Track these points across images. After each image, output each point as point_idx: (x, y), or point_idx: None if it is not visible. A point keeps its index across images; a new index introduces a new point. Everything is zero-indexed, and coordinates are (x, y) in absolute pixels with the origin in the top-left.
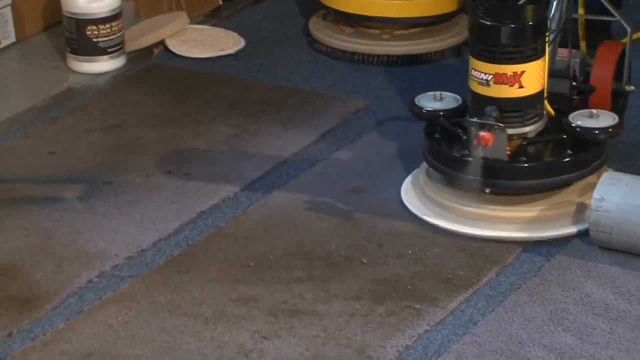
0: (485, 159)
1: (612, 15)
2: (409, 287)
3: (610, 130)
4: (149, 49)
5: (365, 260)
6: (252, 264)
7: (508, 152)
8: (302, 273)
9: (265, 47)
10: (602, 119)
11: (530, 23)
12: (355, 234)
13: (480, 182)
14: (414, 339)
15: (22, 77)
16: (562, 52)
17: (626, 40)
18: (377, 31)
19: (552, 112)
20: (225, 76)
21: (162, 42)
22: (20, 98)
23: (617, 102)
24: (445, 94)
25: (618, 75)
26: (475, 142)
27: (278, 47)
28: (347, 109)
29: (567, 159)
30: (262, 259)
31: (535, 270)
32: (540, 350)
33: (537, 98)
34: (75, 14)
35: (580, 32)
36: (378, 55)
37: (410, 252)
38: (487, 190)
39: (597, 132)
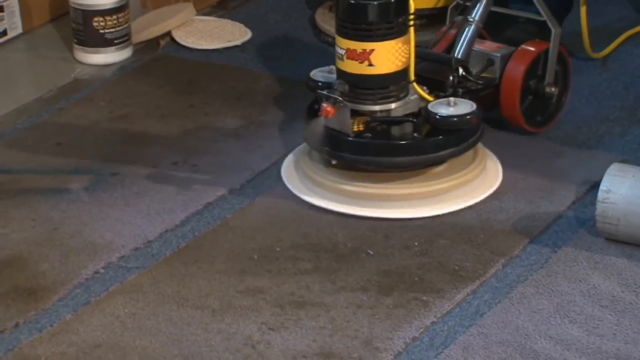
0: (332, 130)
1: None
2: (416, 278)
3: (455, 119)
4: (155, 41)
5: (371, 252)
6: (258, 255)
7: (359, 128)
8: (308, 265)
9: (272, 38)
10: (459, 108)
11: (379, 2)
12: (361, 226)
13: (327, 152)
14: (420, 330)
15: (29, 68)
16: (486, 45)
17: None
18: None
19: (427, 97)
20: (232, 67)
21: (168, 34)
22: (26, 89)
23: (536, 103)
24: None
25: (537, 75)
26: (319, 112)
27: (285, 38)
28: None
29: (410, 141)
30: (269, 250)
31: (541, 262)
32: (546, 342)
33: (390, 78)
34: (81, 5)
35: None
36: None
37: (416, 243)
38: (333, 162)
39: (438, 117)
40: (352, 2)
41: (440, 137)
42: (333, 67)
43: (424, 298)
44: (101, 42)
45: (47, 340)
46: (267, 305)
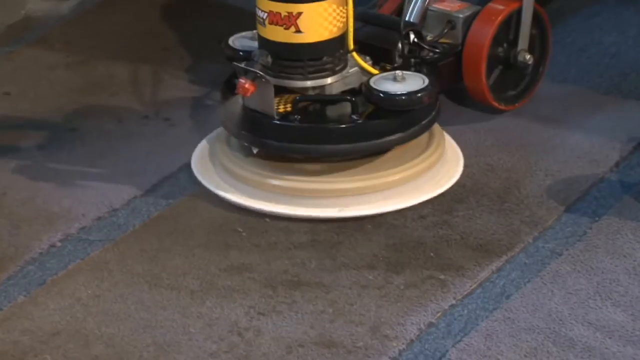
0: (252, 111)
1: None
2: (432, 254)
3: (403, 97)
4: None
5: (379, 222)
6: (244, 227)
7: (286, 109)
8: (304, 237)
9: None
10: (407, 83)
11: None
12: None
13: (247, 138)
14: (437, 314)
15: None
16: (446, 4)
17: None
18: None
19: (371, 70)
20: (215, 3)
21: None
22: None
23: (508, 75)
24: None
25: (508, 40)
26: (236, 90)
27: None
28: None
29: (350, 125)
30: (257, 221)
31: (579, 235)
32: (584, 328)
33: (323, 48)
34: None
35: None
36: None
37: (432, 211)
38: (255, 150)
39: (381, 95)
40: None
41: (385, 119)
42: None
43: (441, 277)
44: None
45: None
46: (256, 285)
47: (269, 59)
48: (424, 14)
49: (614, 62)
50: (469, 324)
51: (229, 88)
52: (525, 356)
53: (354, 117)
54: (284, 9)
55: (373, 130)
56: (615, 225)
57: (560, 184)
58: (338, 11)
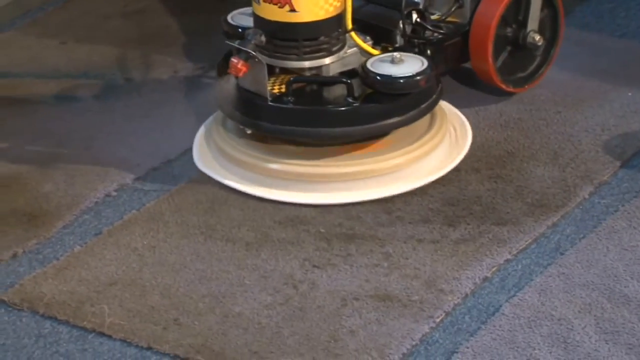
0: (246, 92)
1: None
2: (487, 208)
3: (401, 80)
4: None
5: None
6: None
7: (280, 89)
8: None
9: None
10: (405, 66)
11: None
12: None
13: (240, 119)
14: (492, 269)
15: None
16: None
17: None
18: None
19: (371, 50)
20: None
21: None
22: None
23: (516, 55)
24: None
25: (518, 21)
26: (229, 70)
27: None
28: None
29: (347, 108)
30: None
31: (635, 190)
32: (639, 284)
33: (319, 27)
34: None
35: None
36: None
37: (488, 165)
38: (248, 131)
39: (378, 78)
40: None
41: (382, 102)
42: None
43: (497, 231)
44: None
45: (53, 275)
46: (311, 238)
47: (263, 38)
48: None
49: None
50: (523, 279)
51: (225, 66)
52: (579, 312)
53: (350, 99)
54: None
55: (369, 113)
56: None
57: (616, 138)
58: None
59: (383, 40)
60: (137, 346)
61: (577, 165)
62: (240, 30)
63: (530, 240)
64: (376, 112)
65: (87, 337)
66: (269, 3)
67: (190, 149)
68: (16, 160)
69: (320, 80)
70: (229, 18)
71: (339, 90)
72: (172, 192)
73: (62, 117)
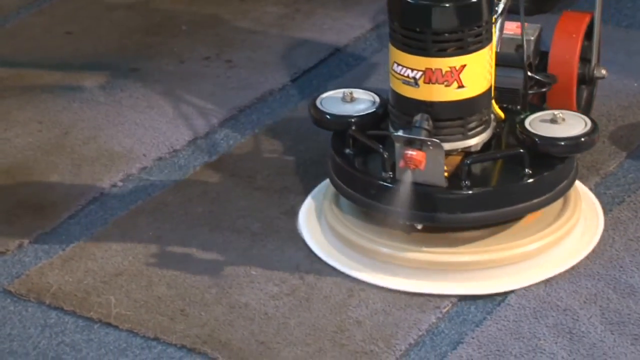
0: (416, 185)
1: None
2: None
3: (582, 140)
4: None
5: None
6: (305, 170)
7: (446, 175)
8: None
9: None
10: (568, 124)
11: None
12: None
13: (410, 215)
14: None
15: None
16: (510, 27)
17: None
18: None
19: (500, 114)
20: None
21: None
22: None
23: (582, 93)
24: (357, 91)
25: (584, 57)
26: (401, 163)
27: None
28: None
29: (526, 182)
30: (319, 163)
31: None
32: None
33: (483, 100)
34: None
35: None
36: None
37: None
38: (419, 227)
39: (563, 143)
40: (434, 5)
41: (554, 167)
42: (349, 91)
43: None
44: None
45: (59, 266)
46: None
47: (431, 123)
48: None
49: None
50: None
51: (339, 153)
52: (585, 302)
53: (527, 170)
54: (445, 64)
55: (549, 182)
56: None
57: (623, 129)
58: (490, 56)
59: (503, 101)
60: (143, 337)
61: (583, 156)
62: (327, 117)
63: None
64: (552, 180)
65: (93, 328)
66: (433, 84)
67: (197, 139)
68: (22, 151)
69: (500, 157)
70: (317, 103)
71: (503, 164)
72: (178, 182)
73: (68, 108)
